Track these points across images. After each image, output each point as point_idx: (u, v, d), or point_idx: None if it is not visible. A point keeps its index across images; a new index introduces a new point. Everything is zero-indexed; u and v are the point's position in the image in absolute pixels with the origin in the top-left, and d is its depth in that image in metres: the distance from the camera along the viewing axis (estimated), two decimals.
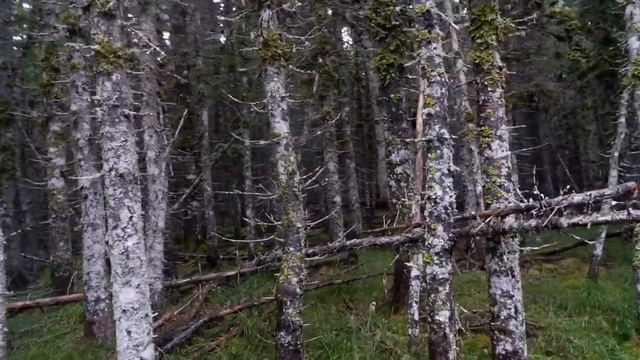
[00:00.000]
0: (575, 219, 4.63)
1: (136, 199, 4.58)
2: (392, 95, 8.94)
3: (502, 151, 5.81)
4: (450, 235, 4.97)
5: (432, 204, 5.03)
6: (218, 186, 23.86)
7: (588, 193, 4.58)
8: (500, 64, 5.93)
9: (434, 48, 5.05)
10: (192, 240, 20.12)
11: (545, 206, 4.85)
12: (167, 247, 12.11)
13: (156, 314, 8.21)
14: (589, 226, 4.52)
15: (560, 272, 11.53)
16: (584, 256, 11.81)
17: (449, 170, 5.07)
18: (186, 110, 10.19)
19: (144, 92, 8.90)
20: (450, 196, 5.04)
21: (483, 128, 5.89)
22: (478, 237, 5.56)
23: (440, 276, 4.96)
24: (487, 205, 5.86)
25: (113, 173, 4.49)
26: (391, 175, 8.93)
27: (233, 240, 10.41)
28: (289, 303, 6.37)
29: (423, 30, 5.09)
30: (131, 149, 4.60)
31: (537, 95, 19.68)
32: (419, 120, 7.20)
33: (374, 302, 8.97)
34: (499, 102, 5.85)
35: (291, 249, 6.67)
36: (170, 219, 16.56)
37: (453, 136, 5.22)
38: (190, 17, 16.10)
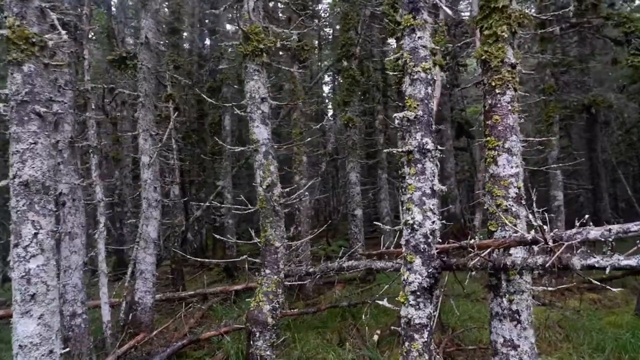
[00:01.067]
0: (592, 260, 3.53)
1: (44, 213, 3.89)
2: None
3: (512, 167, 4.74)
4: (431, 270, 3.96)
5: (409, 230, 4.05)
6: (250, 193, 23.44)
7: (608, 228, 3.48)
8: (513, 60, 4.86)
9: (419, 37, 4.08)
10: (220, 248, 19.71)
11: (554, 240, 3.78)
12: (160, 258, 11.60)
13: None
14: (607, 271, 3.40)
15: (604, 305, 9.95)
16: (635, 286, 10.20)
17: (432, 189, 4.07)
18: (176, 113, 9.59)
19: (140, 93, 8.40)
20: (433, 222, 4.03)
21: (489, 139, 4.84)
22: (475, 272, 4.51)
23: (417, 321, 3.96)
24: (491, 234, 4.80)
25: (17, 181, 3.83)
26: (401, 190, 7.91)
27: (221, 261, 9.63)
28: (258, 335, 5.55)
29: (407, 16, 4.14)
30: (42, 153, 3.91)
31: (593, 106, 17.90)
32: None
33: (378, 331, 7.92)
34: (509, 108, 4.79)
35: (267, 271, 5.85)
36: (190, 226, 16.21)
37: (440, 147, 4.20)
38: (218, 19, 15.69)
